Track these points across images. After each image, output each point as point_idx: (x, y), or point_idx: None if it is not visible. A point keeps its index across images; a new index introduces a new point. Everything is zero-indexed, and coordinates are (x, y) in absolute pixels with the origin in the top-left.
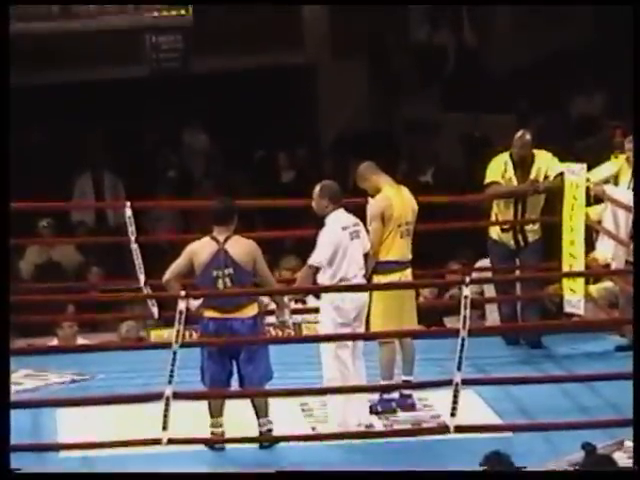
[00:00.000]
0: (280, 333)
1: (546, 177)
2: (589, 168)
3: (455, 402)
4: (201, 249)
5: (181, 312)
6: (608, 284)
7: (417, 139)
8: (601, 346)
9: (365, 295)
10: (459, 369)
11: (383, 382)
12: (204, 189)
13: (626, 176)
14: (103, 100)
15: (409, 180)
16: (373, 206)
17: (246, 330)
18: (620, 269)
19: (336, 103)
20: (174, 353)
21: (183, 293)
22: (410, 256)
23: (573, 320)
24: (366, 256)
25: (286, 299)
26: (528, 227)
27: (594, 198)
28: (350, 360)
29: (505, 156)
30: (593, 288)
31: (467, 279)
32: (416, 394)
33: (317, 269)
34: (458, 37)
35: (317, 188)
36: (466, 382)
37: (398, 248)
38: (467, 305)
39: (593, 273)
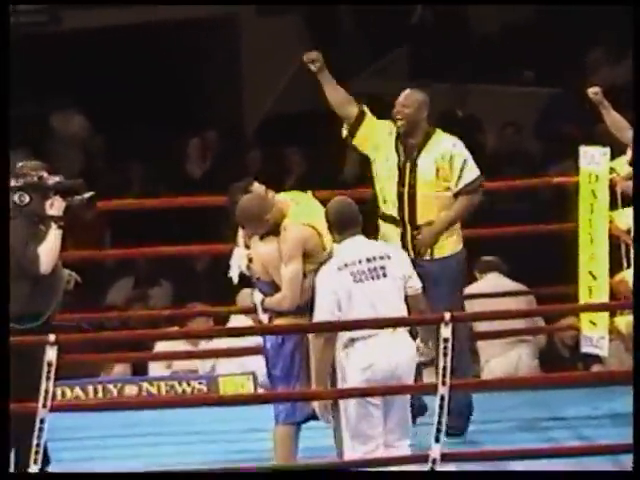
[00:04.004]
0: None
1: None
2: (614, 155)
3: None
4: None
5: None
6: None
7: None
8: (631, 405)
9: (402, 353)
10: (437, 440)
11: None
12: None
13: None
14: None
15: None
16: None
17: None
18: None
19: (264, 73)
20: None
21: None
22: None
23: (594, 371)
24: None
25: None
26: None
27: (622, 197)
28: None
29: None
30: (622, 321)
31: (447, 315)
32: None
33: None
34: None
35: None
36: (447, 457)
37: None
38: (448, 352)
39: (620, 304)
